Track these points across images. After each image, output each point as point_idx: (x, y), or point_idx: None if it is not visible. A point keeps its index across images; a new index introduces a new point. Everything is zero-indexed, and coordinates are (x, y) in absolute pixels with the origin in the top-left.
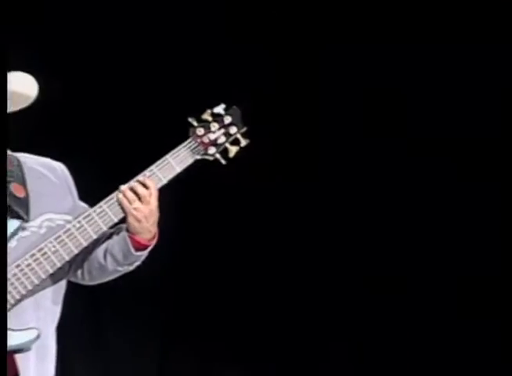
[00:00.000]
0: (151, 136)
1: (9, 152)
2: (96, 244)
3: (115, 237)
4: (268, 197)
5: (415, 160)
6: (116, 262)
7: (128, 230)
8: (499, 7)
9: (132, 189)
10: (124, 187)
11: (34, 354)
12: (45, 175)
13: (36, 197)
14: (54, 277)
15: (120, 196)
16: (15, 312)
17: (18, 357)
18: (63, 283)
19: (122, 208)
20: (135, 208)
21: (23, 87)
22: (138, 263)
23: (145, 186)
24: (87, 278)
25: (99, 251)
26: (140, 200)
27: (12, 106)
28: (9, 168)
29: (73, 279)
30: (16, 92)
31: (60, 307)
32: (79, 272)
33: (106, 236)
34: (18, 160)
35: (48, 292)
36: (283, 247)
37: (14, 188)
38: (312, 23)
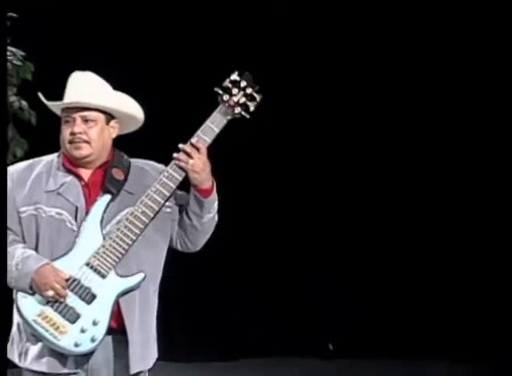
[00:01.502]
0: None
1: (123, 155)
2: (180, 213)
3: (188, 200)
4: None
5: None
6: (197, 215)
7: (193, 186)
8: None
9: (184, 151)
10: (175, 154)
11: (137, 307)
12: (146, 170)
13: (136, 184)
14: (154, 244)
15: (176, 161)
16: (121, 264)
17: (123, 307)
18: (162, 252)
19: (182, 168)
20: (191, 164)
21: (137, 112)
22: (215, 212)
23: (194, 146)
24: (189, 244)
25: (184, 217)
26: (192, 157)
27: (127, 129)
28: (117, 158)
29: (179, 248)
30: (134, 116)
31: (161, 271)
32: (182, 241)
33: (184, 205)
34: (127, 159)
35: (149, 258)
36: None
37: (115, 172)
38: None
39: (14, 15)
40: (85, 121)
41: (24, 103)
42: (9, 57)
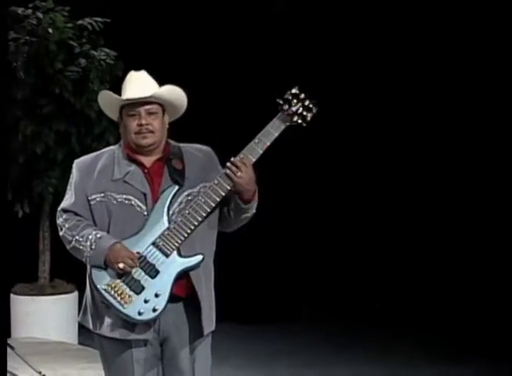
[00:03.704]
0: (253, 115)
1: (172, 142)
2: (220, 204)
3: (231, 198)
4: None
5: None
6: (235, 214)
7: (235, 193)
8: None
9: (234, 164)
10: (228, 164)
11: (203, 275)
12: (196, 155)
13: (191, 169)
14: (208, 225)
15: (228, 171)
16: (186, 244)
17: (193, 278)
18: (216, 230)
19: (230, 178)
20: (238, 177)
21: (183, 101)
22: (253, 211)
23: (243, 162)
24: (220, 228)
25: (224, 208)
26: (241, 170)
27: (173, 117)
28: (172, 150)
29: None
30: (178, 105)
31: (214, 246)
32: (220, 223)
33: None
34: (179, 147)
35: (210, 237)
36: None
37: (175, 163)
38: None
39: (108, 20)
40: (149, 113)
41: None
42: (103, 57)
